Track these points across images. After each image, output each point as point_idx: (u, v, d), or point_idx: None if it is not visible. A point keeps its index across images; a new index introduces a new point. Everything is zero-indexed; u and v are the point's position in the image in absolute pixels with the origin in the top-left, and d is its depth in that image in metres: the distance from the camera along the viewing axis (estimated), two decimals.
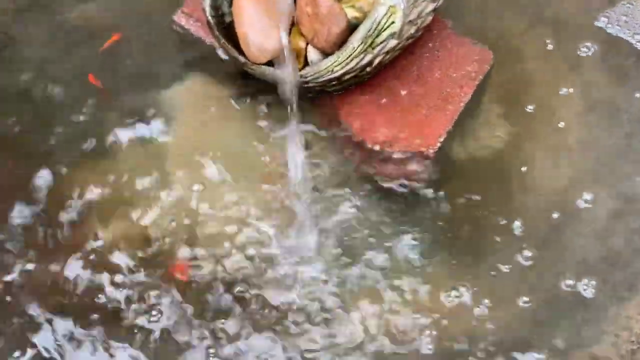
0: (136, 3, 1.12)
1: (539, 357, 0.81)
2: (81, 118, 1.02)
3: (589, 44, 1.05)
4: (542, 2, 1.11)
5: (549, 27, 1.08)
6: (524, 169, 0.97)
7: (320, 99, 0.94)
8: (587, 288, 0.84)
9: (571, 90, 1.02)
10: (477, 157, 0.99)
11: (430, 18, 0.92)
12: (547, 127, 1.00)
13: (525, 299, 0.86)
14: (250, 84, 0.99)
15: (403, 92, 0.95)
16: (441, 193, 0.95)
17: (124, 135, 1.02)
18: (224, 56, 0.96)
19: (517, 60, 1.07)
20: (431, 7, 0.89)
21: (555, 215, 0.91)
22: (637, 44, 1.03)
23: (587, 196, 0.91)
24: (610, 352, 0.79)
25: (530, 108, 1.02)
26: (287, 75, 0.81)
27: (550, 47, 1.07)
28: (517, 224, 0.92)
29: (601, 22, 1.06)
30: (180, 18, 1.03)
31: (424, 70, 0.97)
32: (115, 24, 1.08)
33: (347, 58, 0.83)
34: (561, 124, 0.99)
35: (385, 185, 0.94)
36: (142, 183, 0.98)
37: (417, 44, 0.97)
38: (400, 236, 0.93)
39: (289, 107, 0.84)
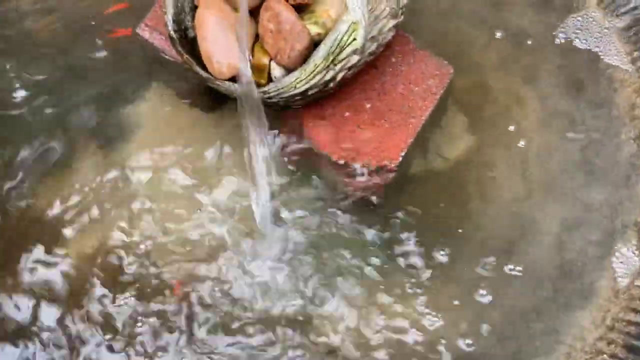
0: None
1: None
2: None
3: (546, 55, 1.08)
4: (502, 16, 1.13)
5: (508, 40, 1.11)
6: (483, 179, 1.00)
7: (284, 112, 0.95)
8: (541, 299, 0.86)
9: (530, 102, 1.06)
10: (438, 169, 1.01)
11: (391, 34, 0.93)
12: (506, 139, 1.03)
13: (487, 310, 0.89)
14: (217, 97, 0.99)
15: (367, 106, 0.97)
16: (400, 207, 0.97)
17: (85, 155, 1.01)
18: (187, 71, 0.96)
19: (477, 72, 1.09)
20: (392, 23, 0.91)
21: (513, 227, 0.94)
22: (594, 54, 1.06)
23: (544, 207, 0.94)
24: None
25: (490, 120, 1.05)
26: (248, 92, 0.81)
27: (508, 59, 1.10)
28: (476, 235, 0.95)
29: (559, 33, 1.09)
30: (143, 31, 1.02)
31: (387, 85, 0.98)
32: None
33: (310, 74, 0.84)
34: (519, 137, 1.02)
35: (346, 198, 0.95)
36: (105, 203, 0.97)
37: (380, 59, 0.99)
38: (360, 249, 0.94)
39: (250, 125, 0.84)
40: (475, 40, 1.12)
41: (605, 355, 0.78)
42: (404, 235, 0.96)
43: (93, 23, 1.10)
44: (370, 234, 0.95)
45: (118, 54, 1.08)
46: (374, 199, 0.96)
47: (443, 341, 0.86)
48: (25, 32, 1.10)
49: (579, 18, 1.08)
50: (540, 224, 0.93)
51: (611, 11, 1.05)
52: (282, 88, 0.84)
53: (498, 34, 1.11)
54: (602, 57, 1.04)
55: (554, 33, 1.09)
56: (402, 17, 0.95)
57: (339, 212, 0.95)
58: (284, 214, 0.93)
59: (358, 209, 0.96)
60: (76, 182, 0.99)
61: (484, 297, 0.90)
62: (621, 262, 0.83)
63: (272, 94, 0.85)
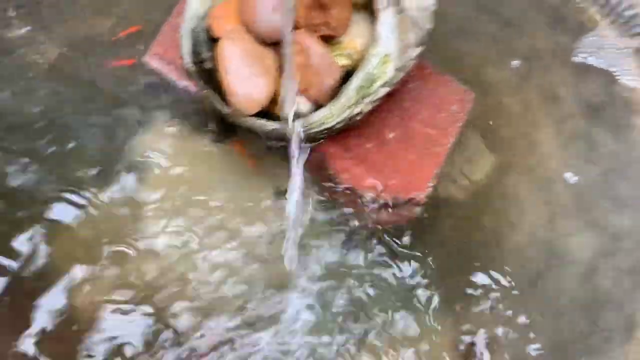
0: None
1: None
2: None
3: (562, 76, 1.07)
4: (515, 36, 1.12)
5: (523, 61, 1.10)
6: (507, 205, 0.98)
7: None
8: (580, 333, 0.85)
9: (548, 124, 1.05)
10: (461, 194, 0.99)
11: (414, 62, 0.91)
12: (528, 162, 1.02)
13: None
14: (229, 128, 0.95)
15: (390, 136, 0.94)
16: (430, 236, 0.95)
17: (93, 190, 0.95)
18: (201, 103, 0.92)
19: (493, 93, 1.08)
20: (418, 51, 0.89)
21: (541, 255, 0.93)
22: (610, 75, 1.05)
23: (569, 235, 0.93)
24: None
25: (509, 142, 1.04)
26: (291, 129, 0.77)
27: (523, 80, 1.09)
28: (503, 264, 0.93)
29: (574, 53, 1.08)
30: (152, 59, 0.97)
31: (409, 112, 0.96)
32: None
33: (341, 109, 0.80)
34: (539, 160, 1.01)
35: (374, 231, 0.92)
36: (121, 242, 0.92)
37: (401, 85, 0.96)
38: (389, 283, 0.92)
39: (293, 161, 0.80)
40: (489, 61, 1.10)
41: None
42: (430, 267, 0.93)
43: (99, 49, 1.05)
44: (396, 266, 0.93)
45: (122, 82, 1.03)
46: (401, 230, 0.93)
47: None
48: (22, 60, 1.04)
49: (593, 38, 1.08)
50: (568, 252, 0.92)
51: (625, 31, 1.05)
52: (311, 124, 0.81)
53: (512, 55, 1.10)
54: (618, 78, 1.03)
55: (568, 53, 1.09)
56: (425, 43, 0.92)
57: (364, 246, 0.92)
58: (310, 249, 0.90)
59: (384, 241, 0.93)
60: (86, 218, 0.94)
61: (517, 328, 0.89)
62: None
63: (298, 129, 0.82)
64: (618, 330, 0.83)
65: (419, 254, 0.94)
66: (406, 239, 0.94)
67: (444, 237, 0.95)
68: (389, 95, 0.92)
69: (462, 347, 0.89)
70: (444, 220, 0.97)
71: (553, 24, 1.13)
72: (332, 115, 0.80)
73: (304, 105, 0.83)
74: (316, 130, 0.82)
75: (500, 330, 0.88)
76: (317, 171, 0.92)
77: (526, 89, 1.08)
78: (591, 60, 1.07)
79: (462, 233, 0.96)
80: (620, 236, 0.91)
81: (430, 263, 0.93)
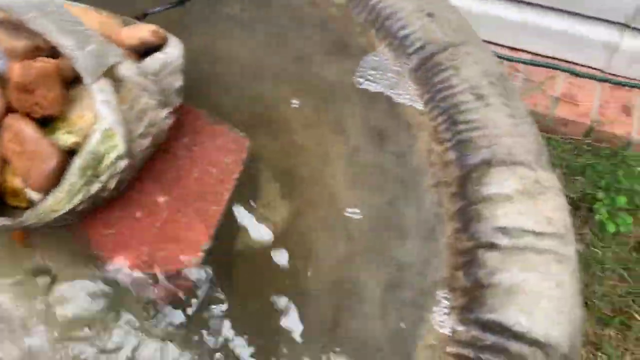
0: None
1: None
2: None
3: (349, 104, 1.06)
4: (304, 70, 1.10)
5: (314, 94, 1.08)
6: (306, 249, 0.95)
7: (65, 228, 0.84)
8: None
9: (341, 157, 1.03)
10: (259, 245, 0.95)
11: (169, 120, 0.86)
12: (322, 200, 0.99)
13: None
14: None
15: (161, 200, 0.89)
16: (225, 294, 0.90)
17: None
18: None
19: (286, 132, 1.05)
20: (166, 111, 0.84)
21: (338, 297, 0.90)
22: (390, 98, 1.04)
23: (362, 272, 0.90)
24: None
25: (305, 182, 1.01)
26: None
27: (316, 115, 1.07)
28: (304, 312, 0.90)
29: (357, 78, 1.07)
30: None
31: (182, 171, 0.91)
32: None
33: (68, 195, 0.74)
34: (332, 196, 0.99)
35: (155, 310, 0.86)
36: None
37: (172, 142, 0.92)
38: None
39: None
40: (280, 100, 1.08)
41: None
42: (224, 327, 0.88)
43: None
44: (187, 334, 0.87)
45: None
46: (186, 300, 0.88)
47: None
48: None
49: (373, 61, 1.07)
50: (360, 291, 0.89)
51: (401, 52, 1.05)
52: (41, 214, 0.74)
53: (303, 90, 1.08)
54: (398, 100, 1.03)
55: (353, 79, 1.07)
56: (181, 98, 0.88)
57: (153, 328, 0.86)
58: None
59: (168, 313, 0.87)
60: None
61: None
62: (434, 327, 0.81)
63: (30, 222, 0.75)
64: None
65: (212, 315, 0.88)
66: (193, 306, 0.88)
67: (241, 292, 0.90)
68: (160, 152, 0.88)
69: None
70: (240, 275, 0.93)
71: (338, 52, 1.12)
72: (60, 201, 0.74)
73: (33, 193, 0.76)
74: (51, 218, 0.76)
75: None
76: (81, 253, 0.85)
77: (318, 124, 1.06)
78: (373, 86, 1.06)
79: (260, 284, 0.91)
80: (404, 267, 0.89)
81: (226, 323, 0.88)
